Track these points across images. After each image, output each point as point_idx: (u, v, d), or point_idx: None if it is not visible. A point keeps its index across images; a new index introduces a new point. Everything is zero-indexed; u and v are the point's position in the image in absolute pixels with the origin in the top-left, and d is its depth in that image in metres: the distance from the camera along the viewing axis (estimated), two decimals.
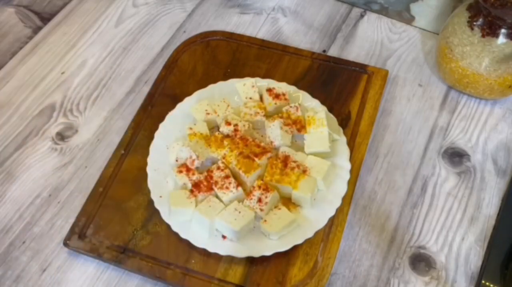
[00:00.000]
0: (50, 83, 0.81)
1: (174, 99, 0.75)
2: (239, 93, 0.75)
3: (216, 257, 0.62)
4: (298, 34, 0.87)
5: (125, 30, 0.88)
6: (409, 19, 0.87)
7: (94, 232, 0.65)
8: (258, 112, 0.71)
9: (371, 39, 0.85)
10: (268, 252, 0.62)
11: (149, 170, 0.68)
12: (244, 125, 0.70)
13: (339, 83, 0.78)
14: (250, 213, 0.63)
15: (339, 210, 0.65)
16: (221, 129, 0.70)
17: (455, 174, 0.71)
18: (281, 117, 0.71)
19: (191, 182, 0.66)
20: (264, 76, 0.78)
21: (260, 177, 0.66)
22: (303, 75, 0.79)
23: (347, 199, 0.66)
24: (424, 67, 0.82)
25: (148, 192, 0.67)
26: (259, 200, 0.64)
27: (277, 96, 0.73)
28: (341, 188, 0.66)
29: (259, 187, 0.64)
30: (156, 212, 0.65)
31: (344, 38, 0.86)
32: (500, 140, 0.74)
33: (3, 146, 0.75)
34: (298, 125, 0.71)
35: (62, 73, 0.82)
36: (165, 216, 0.64)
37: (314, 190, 0.65)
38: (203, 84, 0.77)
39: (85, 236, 0.65)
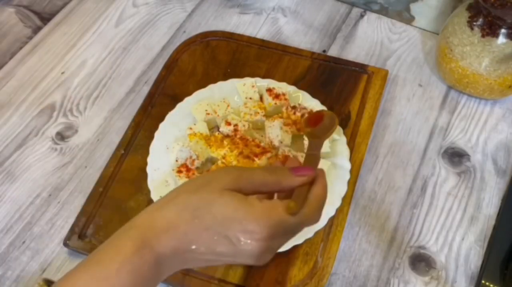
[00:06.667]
0: (50, 83, 0.81)
1: (174, 99, 0.75)
2: (239, 93, 0.75)
3: None
4: (298, 34, 0.87)
5: (125, 30, 0.88)
6: (409, 19, 0.87)
7: (94, 232, 0.65)
8: (258, 112, 0.71)
9: (371, 39, 0.85)
10: None
11: (149, 170, 0.68)
12: (244, 125, 0.70)
13: (339, 83, 0.78)
14: None
15: (339, 210, 0.65)
16: (221, 129, 0.70)
17: (455, 174, 0.71)
18: (281, 117, 0.71)
19: None
20: (264, 76, 0.78)
21: None
22: (303, 75, 0.79)
23: (347, 199, 0.66)
24: (424, 67, 0.82)
25: (148, 192, 0.67)
26: None
27: (277, 96, 0.73)
28: (341, 188, 0.66)
29: None
30: None
31: (344, 38, 0.86)
32: (500, 140, 0.74)
33: (3, 146, 0.75)
34: (298, 125, 0.70)
35: (62, 73, 0.82)
36: None
37: None
38: (203, 84, 0.77)
39: (85, 236, 0.65)
